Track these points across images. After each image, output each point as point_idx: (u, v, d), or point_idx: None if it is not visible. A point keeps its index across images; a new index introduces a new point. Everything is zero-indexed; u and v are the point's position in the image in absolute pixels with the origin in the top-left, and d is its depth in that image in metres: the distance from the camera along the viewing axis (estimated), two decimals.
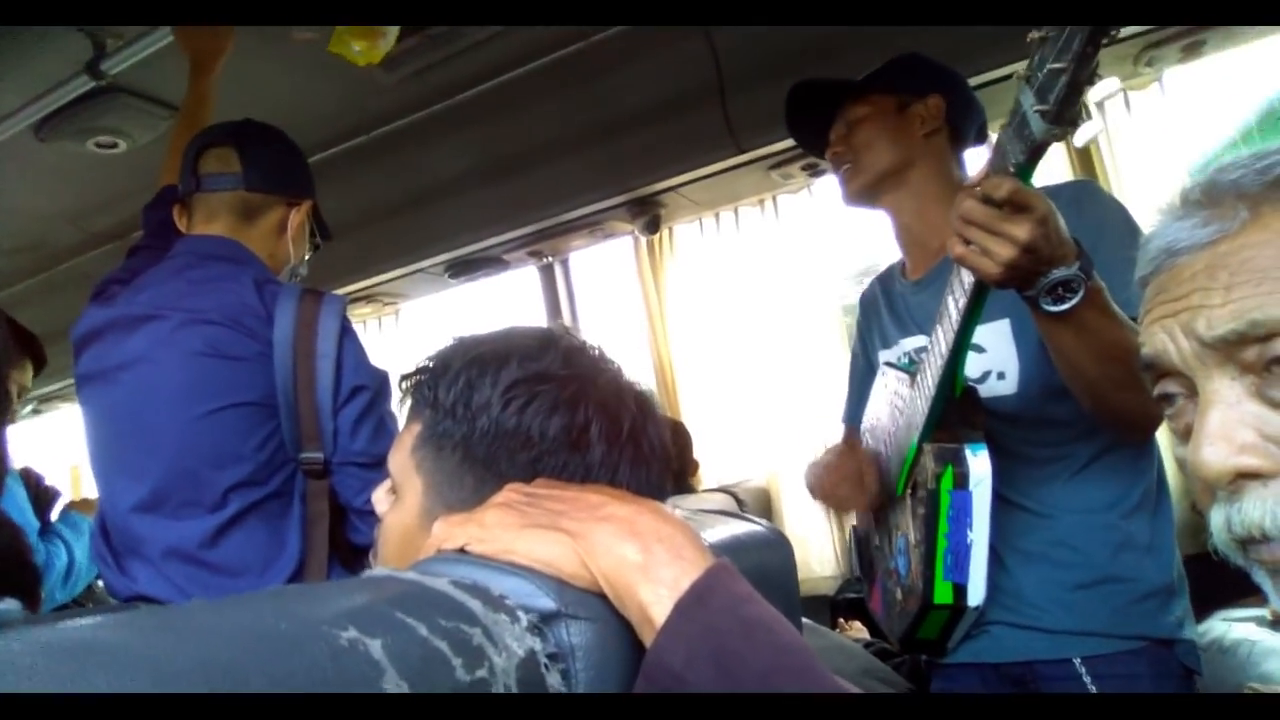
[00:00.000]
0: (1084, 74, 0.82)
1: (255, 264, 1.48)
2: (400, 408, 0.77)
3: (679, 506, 0.73)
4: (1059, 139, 0.88)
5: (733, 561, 0.56)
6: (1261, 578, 0.56)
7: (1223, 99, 2.08)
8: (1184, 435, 0.58)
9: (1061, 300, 0.99)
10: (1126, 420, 1.15)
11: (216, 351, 1.36)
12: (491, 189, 2.57)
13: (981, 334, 1.29)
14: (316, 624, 0.41)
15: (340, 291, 2.96)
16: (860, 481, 1.34)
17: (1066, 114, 0.85)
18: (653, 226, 2.69)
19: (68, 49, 1.82)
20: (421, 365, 0.75)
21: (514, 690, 0.47)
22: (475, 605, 0.49)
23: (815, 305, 2.72)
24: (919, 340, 1.39)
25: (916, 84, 1.40)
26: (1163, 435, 1.37)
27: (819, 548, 2.68)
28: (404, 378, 0.76)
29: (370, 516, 0.80)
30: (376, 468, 1.35)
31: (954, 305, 1.07)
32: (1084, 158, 2.26)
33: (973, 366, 1.29)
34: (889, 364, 1.41)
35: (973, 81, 1.58)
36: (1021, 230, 0.93)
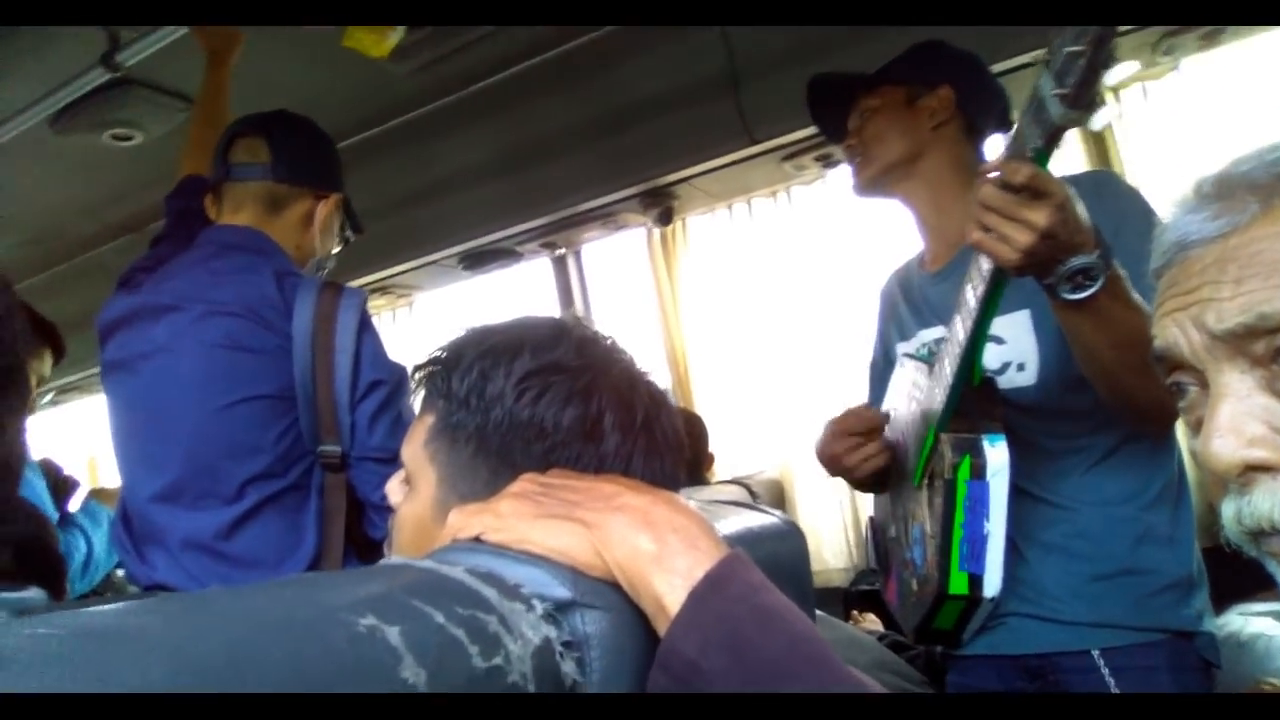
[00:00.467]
0: (1101, 57, 0.82)
1: (278, 255, 1.48)
2: (413, 398, 0.77)
3: (692, 498, 0.73)
4: (1077, 123, 0.88)
5: (746, 552, 0.56)
6: (1274, 569, 0.56)
7: (1242, 88, 2.06)
8: (1196, 427, 0.58)
9: (1081, 288, 0.98)
10: (1145, 411, 1.14)
11: (235, 344, 1.37)
12: (504, 181, 2.57)
13: (1001, 325, 1.28)
14: (335, 611, 0.41)
15: (354, 283, 2.98)
16: (854, 440, 1.33)
17: (1084, 98, 0.84)
18: (666, 218, 2.69)
19: (83, 41, 1.83)
20: (434, 356, 0.75)
21: (529, 677, 0.47)
22: (491, 593, 0.49)
23: (829, 296, 2.71)
24: (937, 332, 1.39)
25: (927, 75, 1.40)
26: (1182, 428, 1.36)
27: (832, 539, 2.68)
28: (416, 368, 0.76)
29: (387, 511, 0.81)
30: (394, 463, 1.34)
31: (972, 294, 1.07)
32: (1099, 147, 2.24)
33: (992, 358, 1.28)
34: (907, 355, 1.40)
35: (992, 70, 1.56)
36: (1040, 216, 0.92)
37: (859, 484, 1.41)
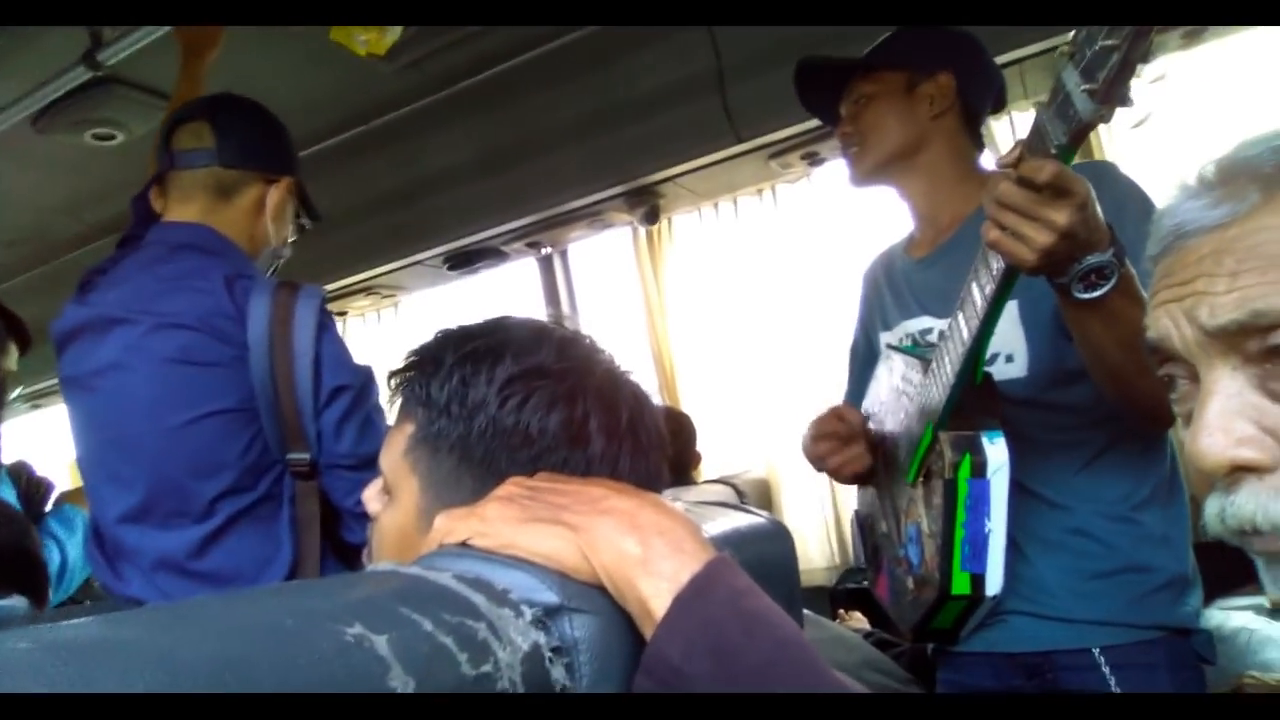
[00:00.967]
0: (1139, 51, 0.78)
1: (228, 255, 1.41)
2: (390, 405, 0.75)
3: (679, 499, 0.73)
4: (1105, 120, 0.84)
5: (733, 554, 0.56)
6: (1258, 563, 0.55)
7: (1223, 86, 2.08)
8: (1187, 420, 0.57)
9: (1094, 287, 0.96)
10: (1147, 410, 1.12)
11: (189, 359, 1.31)
12: (490, 180, 2.57)
13: None
14: (322, 619, 0.41)
15: (338, 284, 2.97)
16: (834, 443, 1.33)
17: (1116, 93, 0.81)
18: (652, 217, 2.69)
19: (64, 40, 1.81)
20: (410, 361, 0.73)
21: (519, 684, 0.47)
22: (479, 600, 0.49)
23: (814, 294, 2.72)
24: (922, 322, 1.38)
25: (926, 60, 1.36)
26: (1175, 427, 1.37)
27: (817, 539, 2.69)
28: (392, 374, 0.74)
29: (364, 517, 0.79)
30: (365, 468, 1.32)
31: (979, 292, 1.04)
32: (1083, 146, 2.25)
33: None
34: (891, 347, 1.39)
35: None
36: (1062, 215, 0.89)
37: (844, 481, 1.41)
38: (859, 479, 1.39)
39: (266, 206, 1.48)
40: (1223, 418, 0.52)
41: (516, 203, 2.59)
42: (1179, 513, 1.28)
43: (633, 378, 0.74)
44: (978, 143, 1.41)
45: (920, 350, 1.30)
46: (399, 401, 0.74)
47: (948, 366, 1.13)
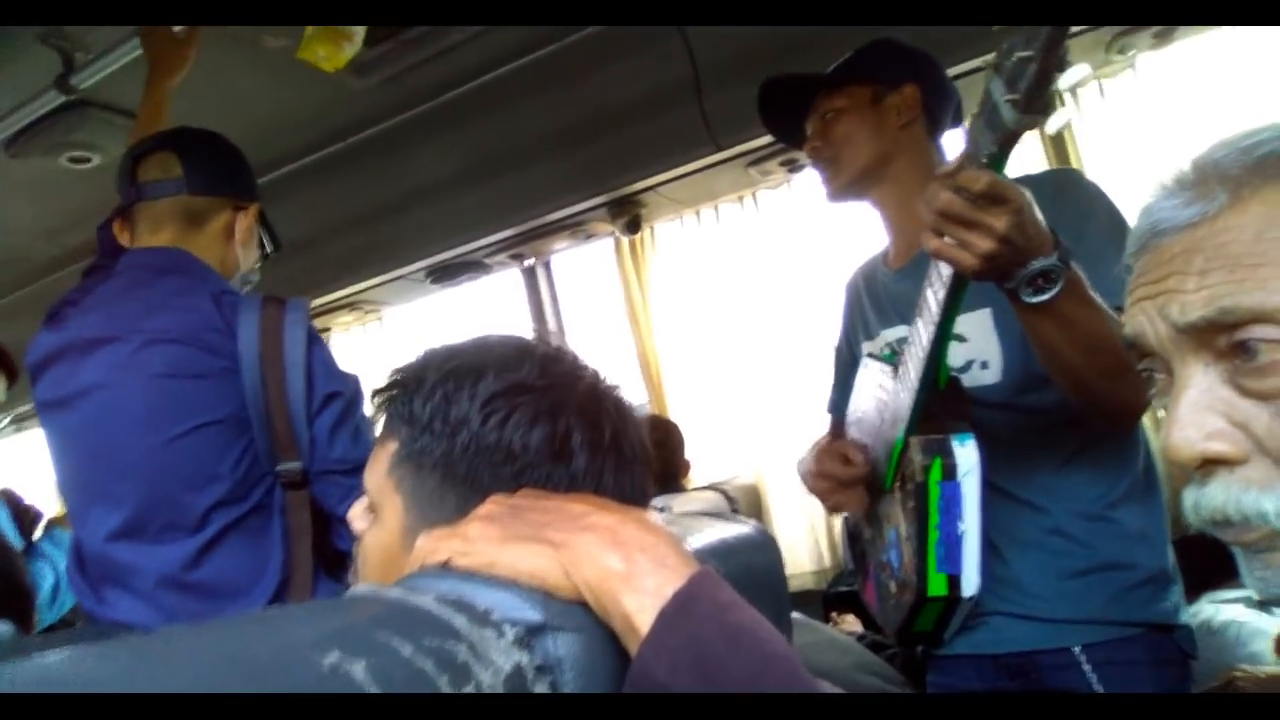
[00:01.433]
0: (1053, 61, 0.82)
1: (209, 275, 1.44)
2: (375, 422, 0.75)
3: (668, 506, 0.72)
4: (1030, 128, 0.87)
5: (720, 564, 0.56)
6: (1236, 553, 0.56)
7: (1197, 84, 2.09)
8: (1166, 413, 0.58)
9: (1041, 291, 0.98)
10: (1110, 409, 1.15)
11: (179, 372, 1.33)
12: (471, 193, 2.56)
13: (963, 323, 1.29)
14: (297, 648, 0.40)
15: (321, 300, 2.96)
16: (838, 480, 1.34)
17: (1037, 102, 0.84)
18: (633, 226, 2.69)
19: (36, 63, 1.80)
20: (394, 379, 0.73)
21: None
22: (460, 621, 0.48)
23: (798, 300, 2.72)
24: (900, 331, 1.39)
25: (891, 73, 1.38)
26: (1149, 423, 1.38)
27: (806, 544, 2.68)
28: (376, 392, 0.74)
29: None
30: (357, 474, 1.32)
31: (933, 298, 1.07)
32: (1058, 146, 2.27)
33: (955, 356, 1.29)
34: (871, 355, 1.41)
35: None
36: (999, 222, 0.92)
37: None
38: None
39: (236, 232, 1.50)
40: (1194, 412, 0.54)
41: (498, 215, 2.59)
42: (1156, 509, 1.29)
43: (617, 393, 0.74)
44: (941, 155, 1.42)
45: (893, 358, 1.32)
46: (382, 420, 0.74)
47: (912, 373, 1.15)
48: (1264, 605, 1.68)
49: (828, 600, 2.47)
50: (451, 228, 2.64)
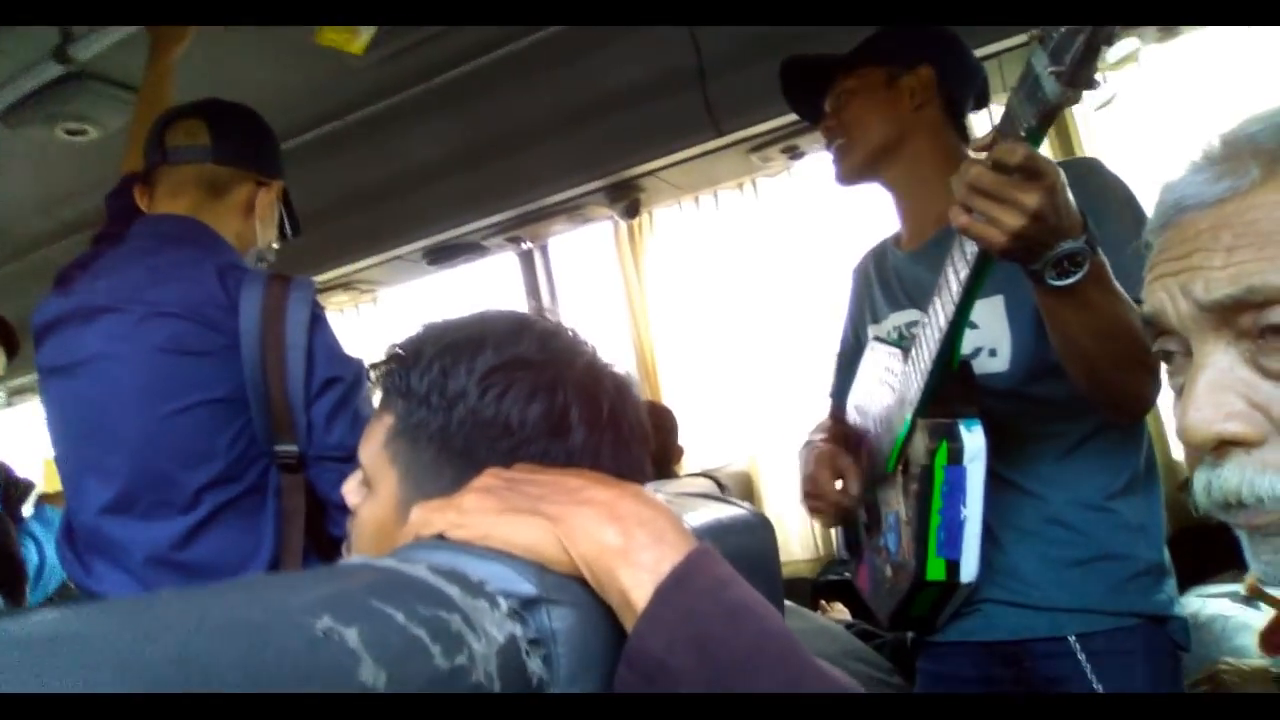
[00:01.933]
0: (1103, 33, 0.80)
1: (219, 247, 1.42)
2: (372, 397, 0.75)
3: (660, 490, 0.72)
4: (1073, 102, 0.86)
5: (714, 545, 0.55)
6: (1242, 538, 0.55)
7: (1202, 78, 2.09)
8: (1180, 393, 0.57)
9: (1067, 274, 0.97)
10: (1120, 401, 1.14)
11: (180, 347, 1.31)
12: (469, 174, 2.55)
13: (975, 310, 1.27)
14: (290, 613, 0.40)
15: (317, 279, 2.94)
16: (825, 498, 1.35)
17: (1082, 75, 0.82)
18: (632, 211, 2.68)
19: (34, 35, 1.79)
20: (392, 353, 0.73)
21: (494, 676, 0.46)
22: (454, 591, 0.48)
23: (796, 287, 2.72)
24: (909, 315, 1.38)
25: (905, 55, 1.37)
26: (1152, 417, 1.38)
27: (799, 531, 2.69)
28: (374, 366, 0.74)
29: (349, 510, 0.79)
30: (353, 460, 1.32)
31: (954, 277, 1.05)
32: (1063, 138, 2.26)
33: (965, 343, 1.28)
34: (878, 339, 1.39)
35: None
36: (1032, 198, 0.90)
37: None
38: None
39: (256, 207, 1.49)
40: (1212, 392, 0.53)
41: (496, 197, 2.57)
42: (1154, 502, 1.29)
43: (616, 370, 0.73)
44: (963, 136, 1.41)
45: (902, 341, 1.31)
46: (380, 394, 0.73)
47: (926, 354, 1.14)
48: (1250, 599, 1.69)
49: (817, 588, 2.47)
50: (449, 208, 2.63)
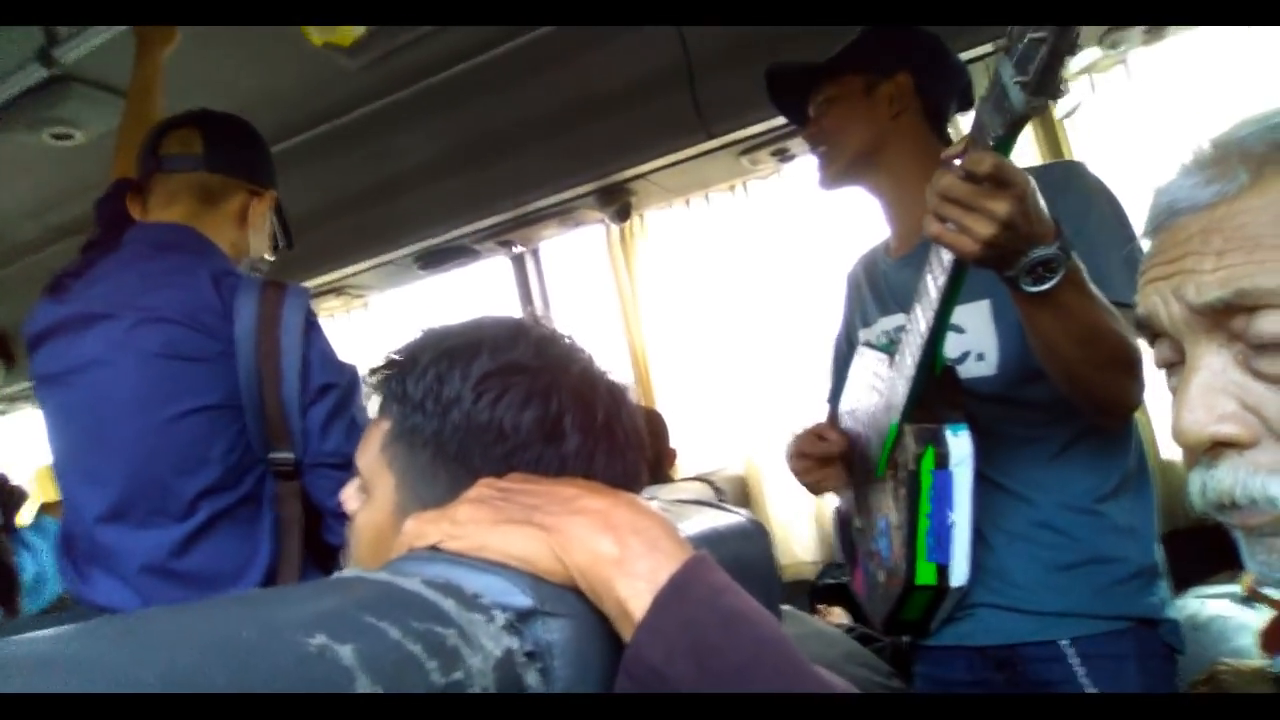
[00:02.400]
0: (1065, 42, 0.81)
1: (213, 254, 1.42)
2: (368, 403, 0.75)
3: (655, 497, 0.72)
4: (1039, 112, 0.87)
5: (711, 552, 0.55)
6: (1238, 538, 0.56)
7: (1189, 80, 2.10)
8: (1176, 393, 0.58)
9: (1042, 280, 0.98)
10: (1103, 403, 1.15)
11: (175, 353, 1.31)
12: (460, 178, 2.54)
13: (961, 314, 1.28)
14: (283, 630, 0.39)
15: (307, 284, 2.92)
16: (809, 463, 1.35)
17: (1047, 85, 0.83)
18: (623, 214, 2.67)
19: (18, 37, 1.77)
20: (389, 359, 0.73)
21: (491, 691, 0.46)
22: (449, 605, 0.47)
23: (789, 290, 2.72)
24: (898, 319, 1.39)
25: (883, 62, 1.38)
26: (1145, 419, 1.38)
27: (801, 533, 2.68)
28: (371, 372, 0.74)
29: (345, 518, 0.78)
30: (350, 467, 1.32)
31: (933, 284, 1.06)
32: (1051, 141, 2.27)
33: (952, 347, 1.29)
34: (868, 344, 1.40)
35: None
36: (1001, 206, 0.91)
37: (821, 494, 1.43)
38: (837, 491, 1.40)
39: (249, 216, 1.50)
40: (1205, 394, 0.53)
41: (487, 201, 2.56)
42: (1146, 504, 1.29)
43: (611, 377, 0.73)
44: (944, 140, 1.41)
45: (890, 346, 1.31)
46: (376, 399, 0.73)
47: (909, 359, 1.15)
48: (1249, 600, 1.69)
49: (815, 592, 2.47)
50: (440, 212, 2.62)
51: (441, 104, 2.37)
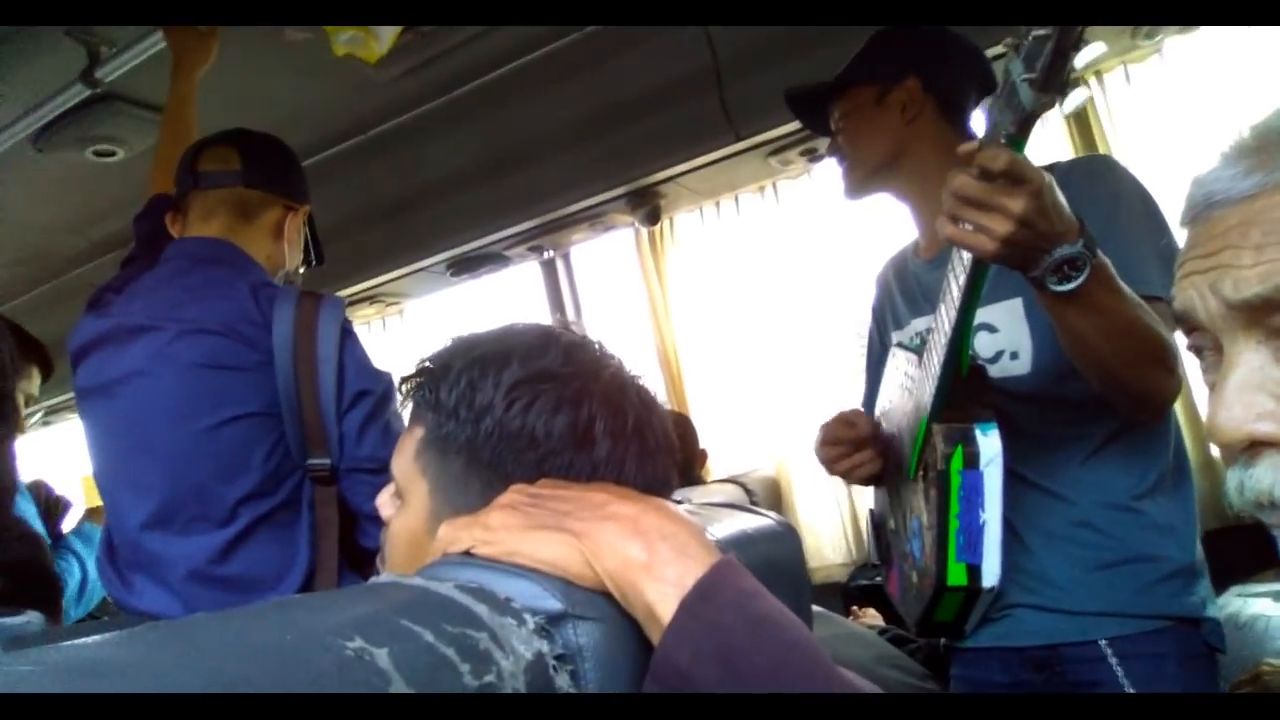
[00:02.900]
0: (1069, 40, 0.80)
1: (251, 267, 1.46)
2: (402, 410, 0.76)
3: (687, 499, 0.72)
4: (1048, 108, 0.86)
5: (740, 555, 0.56)
6: (1276, 535, 0.55)
7: (1225, 69, 2.06)
8: (1213, 389, 0.56)
9: (1068, 279, 0.96)
10: (1137, 399, 1.14)
11: (216, 363, 1.35)
12: (490, 185, 2.56)
13: (994, 313, 1.27)
14: (322, 634, 0.41)
15: (342, 293, 2.97)
16: (841, 449, 1.34)
17: (1054, 81, 0.83)
18: (653, 217, 2.68)
19: (61, 57, 1.82)
20: (421, 367, 0.74)
21: (523, 693, 0.47)
22: (481, 609, 0.49)
23: (819, 291, 2.71)
24: (930, 320, 1.38)
25: (890, 69, 1.37)
26: (1181, 414, 1.36)
27: (832, 535, 2.67)
28: (404, 380, 0.75)
29: (380, 521, 0.80)
30: (385, 472, 1.34)
31: (955, 284, 1.06)
32: (1084, 132, 2.24)
33: (985, 346, 1.28)
34: (900, 345, 1.40)
35: None
36: (1017, 203, 0.90)
37: (857, 483, 1.41)
38: (872, 481, 1.39)
39: (285, 230, 1.54)
40: (1242, 392, 0.52)
41: (517, 207, 2.58)
42: (1185, 501, 1.27)
43: (641, 382, 0.74)
44: (966, 134, 1.40)
45: (921, 347, 1.30)
46: (410, 407, 0.75)
47: (935, 359, 1.14)
48: None
49: (848, 594, 2.46)
50: (471, 219, 2.65)
51: (471, 113, 2.39)
